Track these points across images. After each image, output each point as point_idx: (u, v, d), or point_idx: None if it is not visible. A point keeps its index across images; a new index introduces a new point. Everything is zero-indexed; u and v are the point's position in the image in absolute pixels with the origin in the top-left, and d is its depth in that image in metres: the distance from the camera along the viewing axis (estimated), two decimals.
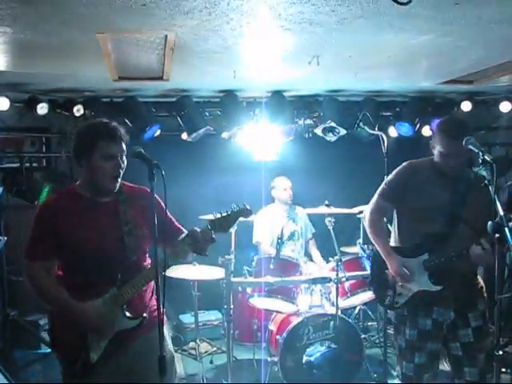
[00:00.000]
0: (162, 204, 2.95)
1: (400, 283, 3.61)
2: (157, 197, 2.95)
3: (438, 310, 3.54)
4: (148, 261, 3.09)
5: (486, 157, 2.90)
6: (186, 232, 3.08)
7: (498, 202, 2.71)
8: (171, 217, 3.17)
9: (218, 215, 2.99)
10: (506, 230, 2.62)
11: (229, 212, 3.00)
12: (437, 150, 3.52)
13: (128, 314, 2.87)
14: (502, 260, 2.79)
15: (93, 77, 4.72)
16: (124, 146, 2.90)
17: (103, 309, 2.81)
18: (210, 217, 3.03)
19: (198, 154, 6.54)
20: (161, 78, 4.75)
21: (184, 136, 6.02)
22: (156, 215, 2.63)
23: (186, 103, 5.66)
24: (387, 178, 3.80)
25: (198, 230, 2.96)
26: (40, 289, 2.92)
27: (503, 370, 5.11)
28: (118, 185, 2.91)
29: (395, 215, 3.79)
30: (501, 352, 2.67)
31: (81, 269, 2.88)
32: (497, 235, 2.69)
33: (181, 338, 6.16)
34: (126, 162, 2.92)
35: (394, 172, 3.76)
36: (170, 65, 4.29)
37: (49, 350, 5.27)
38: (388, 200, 3.76)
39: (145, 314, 2.87)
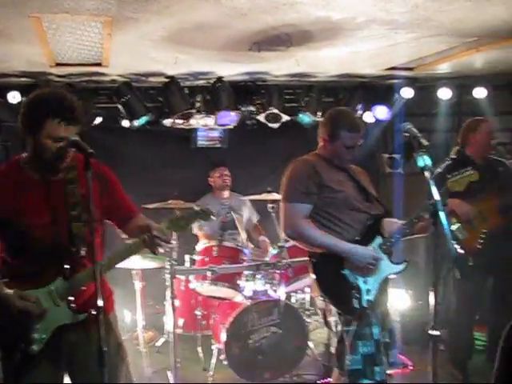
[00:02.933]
0: (116, 182, 2.85)
1: (363, 279, 3.40)
2: (111, 174, 2.87)
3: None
4: (100, 250, 2.84)
5: (422, 142, 2.95)
6: (136, 212, 2.97)
7: (433, 187, 2.76)
8: (125, 196, 2.97)
9: (177, 215, 2.88)
10: (441, 214, 2.67)
11: (189, 213, 2.90)
12: (338, 145, 3.52)
13: (74, 307, 2.72)
14: (438, 243, 2.83)
15: (29, 63, 4.59)
16: (77, 128, 2.61)
17: (46, 300, 2.68)
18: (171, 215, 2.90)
19: (140, 141, 6.46)
20: (100, 65, 4.67)
21: (125, 124, 5.92)
22: (105, 196, 2.53)
23: (126, 90, 5.57)
24: (288, 180, 3.57)
25: (156, 226, 2.77)
26: None
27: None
28: (64, 164, 2.67)
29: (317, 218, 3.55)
30: (438, 332, 2.73)
31: (24, 255, 2.72)
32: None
33: (125, 328, 6.10)
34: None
35: (291, 171, 3.57)
36: (109, 50, 4.22)
37: None
38: (305, 201, 3.47)
39: (93, 311, 2.67)
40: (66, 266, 2.69)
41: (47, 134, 2.57)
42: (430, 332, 2.74)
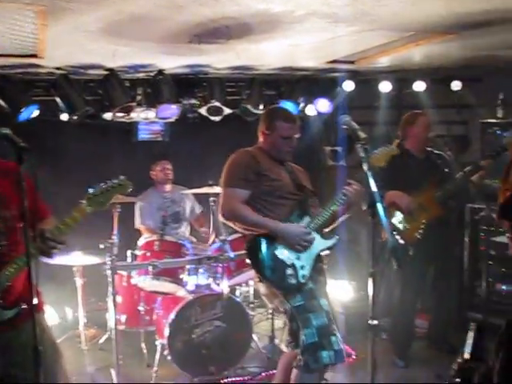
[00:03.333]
0: (32, 182, 2.76)
1: (296, 255, 3.53)
2: (26, 174, 2.80)
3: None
4: (20, 247, 2.80)
5: (360, 135, 2.98)
6: (47, 213, 2.99)
7: (371, 179, 2.79)
8: (38, 196, 2.95)
9: (95, 191, 2.88)
10: (379, 205, 2.70)
11: (106, 186, 2.92)
12: (275, 135, 3.77)
13: (2, 303, 2.69)
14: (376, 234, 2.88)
15: None
16: None
17: None
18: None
19: (80, 135, 6.32)
20: (35, 56, 4.53)
21: (63, 117, 5.79)
22: (25, 194, 2.45)
23: (64, 83, 5.43)
24: (227, 168, 3.77)
25: (48, 230, 2.75)
26: None
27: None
28: None
29: (253, 203, 3.69)
30: (376, 322, 2.77)
31: None
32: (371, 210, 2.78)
33: (65, 325, 6.00)
34: None
35: (231, 160, 3.79)
36: (45, 41, 4.10)
37: None
38: (243, 186, 3.65)
39: (23, 305, 2.69)
40: None
41: None
42: (369, 322, 2.78)
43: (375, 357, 2.78)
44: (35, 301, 2.40)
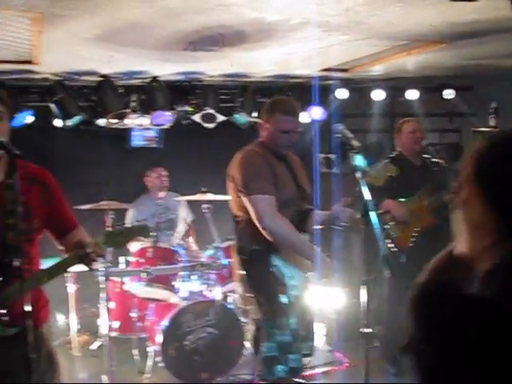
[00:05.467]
0: (58, 191, 2.75)
1: (289, 276, 3.44)
2: (55, 181, 2.76)
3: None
4: (36, 260, 2.78)
5: (353, 143, 2.99)
6: (76, 224, 2.86)
7: (364, 187, 2.81)
8: (66, 207, 2.85)
9: (114, 230, 2.82)
10: (372, 214, 2.72)
11: (126, 228, 2.86)
12: (274, 129, 3.51)
13: (5, 321, 2.58)
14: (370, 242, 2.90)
15: None
16: (0, 107, 2.54)
17: None
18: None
19: (73, 141, 6.33)
20: (30, 62, 4.55)
21: (58, 123, 5.79)
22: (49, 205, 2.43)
23: (58, 89, 5.45)
24: (245, 173, 3.45)
25: (91, 242, 2.67)
26: None
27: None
28: None
29: None
30: (369, 329, 2.78)
31: None
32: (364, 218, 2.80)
33: (57, 331, 5.97)
34: (6, 127, 2.57)
35: (246, 164, 3.48)
36: (40, 48, 4.11)
37: None
38: (272, 192, 3.39)
39: (27, 323, 2.50)
40: None
41: None
42: (362, 330, 2.79)
43: (368, 364, 2.79)
44: (36, 313, 2.36)
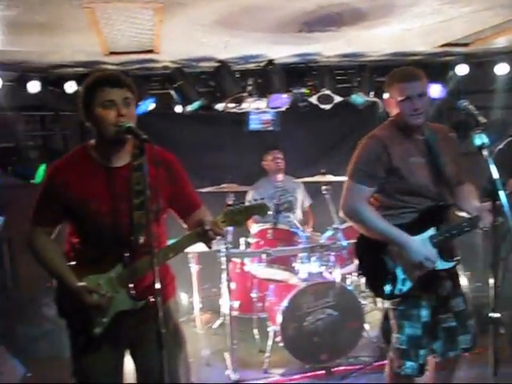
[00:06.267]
0: (182, 172, 2.87)
1: (402, 268, 3.25)
2: (178, 164, 2.89)
3: (442, 285, 3.31)
4: (164, 240, 2.93)
5: (480, 120, 2.86)
6: (199, 204, 2.96)
7: (492, 165, 2.67)
8: (190, 187, 2.97)
9: (233, 208, 2.78)
10: (502, 193, 2.59)
11: (245, 206, 2.80)
12: (395, 101, 3.25)
13: (133, 294, 2.75)
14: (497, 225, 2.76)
15: (84, 52, 4.68)
16: (128, 93, 2.64)
17: (107, 286, 2.72)
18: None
19: (193, 126, 6.52)
20: (151, 51, 4.72)
21: (178, 109, 5.99)
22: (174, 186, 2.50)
23: (178, 76, 5.61)
24: (356, 158, 3.32)
25: (210, 220, 2.72)
26: (39, 256, 2.81)
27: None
28: (125, 136, 2.61)
29: (379, 197, 3.37)
30: (498, 314, 2.67)
31: (89, 240, 2.78)
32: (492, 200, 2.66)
33: (183, 310, 6.20)
34: (134, 113, 2.69)
35: (365, 149, 3.31)
36: (160, 37, 4.25)
37: (52, 327, 5.33)
38: (369, 184, 3.27)
39: (151, 298, 2.62)
40: (126, 254, 2.72)
41: (98, 103, 2.61)
42: (491, 315, 2.68)
43: (497, 351, 2.67)
44: (162, 289, 2.45)
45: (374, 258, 3.33)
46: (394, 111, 3.31)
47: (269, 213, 2.89)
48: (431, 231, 3.24)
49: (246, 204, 2.82)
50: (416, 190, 3.24)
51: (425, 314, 3.27)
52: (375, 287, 3.38)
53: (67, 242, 2.89)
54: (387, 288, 3.27)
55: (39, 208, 2.80)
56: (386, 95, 3.36)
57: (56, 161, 2.83)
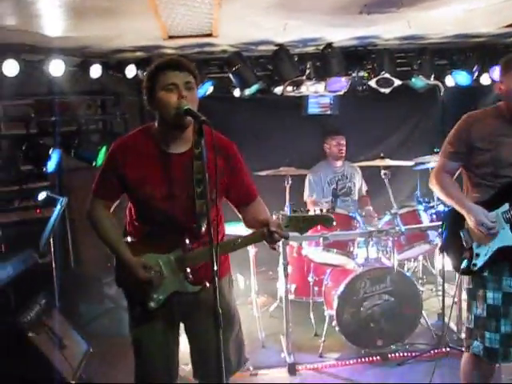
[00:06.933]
0: (240, 161, 2.89)
1: (477, 243, 3.27)
2: (237, 152, 2.90)
3: None
4: (222, 228, 3.00)
5: None
6: (255, 196, 2.98)
7: None
8: (248, 177, 2.98)
9: (298, 215, 2.76)
10: None
11: (311, 216, 2.77)
12: (508, 89, 3.17)
13: (190, 279, 2.83)
14: None
15: (143, 37, 4.74)
16: (190, 77, 2.67)
17: (165, 266, 2.82)
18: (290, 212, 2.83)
19: (251, 110, 6.54)
20: (210, 35, 4.73)
21: (236, 93, 6.02)
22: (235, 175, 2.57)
23: (236, 60, 5.62)
24: (449, 135, 3.42)
25: (276, 222, 2.71)
26: (96, 226, 2.91)
27: None
28: (185, 120, 2.64)
29: (465, 173, 3.45)
30: None
31: (148, 219, 2.86)
32: None
33: (240, 293, 6.26)
34: (195, 97, 2.71)
35: (454, 127, 3.39)
36: (219, 20, 4.26)
37: (113, 305, 5.48)
38: (451, 158, 3.39)
39: (207, 284, 2.75)
40: (186, 241, 2.80)
41: (160, 86, 2.65)
42: None
43: None
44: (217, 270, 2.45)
45: (454, 233, 3.40)
46: (502, 97, 3.26)
47: (333, 224, 2.85)
48: (504, 207, 3.24)
49: (312, 214, 2.78)
50: (497, 161, 3.23)
51: (491, 295, 3.23)
52: (454, 261, 3.43)
53: (127, 215, 2.99)
54: (463, 263, 3.31)
55: (100, 181, 2.90)
56: (501, 79, 3.26)
57: (120, 137, 2.91)
